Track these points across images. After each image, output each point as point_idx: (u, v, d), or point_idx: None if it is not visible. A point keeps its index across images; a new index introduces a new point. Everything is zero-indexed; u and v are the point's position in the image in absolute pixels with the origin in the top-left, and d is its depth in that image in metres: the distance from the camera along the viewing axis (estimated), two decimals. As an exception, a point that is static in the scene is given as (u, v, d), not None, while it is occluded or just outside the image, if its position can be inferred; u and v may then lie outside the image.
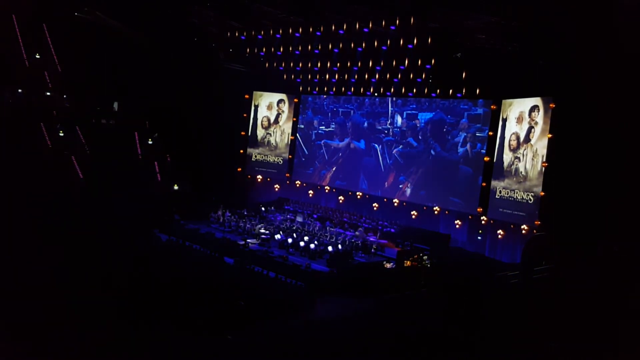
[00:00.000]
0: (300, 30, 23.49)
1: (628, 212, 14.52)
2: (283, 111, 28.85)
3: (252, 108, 29.07)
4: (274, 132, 28.99)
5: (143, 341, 10.32)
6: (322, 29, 22.93)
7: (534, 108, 20.04)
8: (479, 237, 21.98)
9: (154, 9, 22.86)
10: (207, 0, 22.89)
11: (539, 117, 19.77)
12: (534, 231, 19.23)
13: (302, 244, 20.20)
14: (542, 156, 19.42)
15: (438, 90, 23.29)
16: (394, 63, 22.93)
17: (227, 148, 28.26)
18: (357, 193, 26.16)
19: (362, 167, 26.21)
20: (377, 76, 24.50)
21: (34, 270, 13.42)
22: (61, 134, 24.70)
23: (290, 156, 28.75)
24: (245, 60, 26.93)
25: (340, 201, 26.70)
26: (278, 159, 28.92)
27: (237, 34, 25.47)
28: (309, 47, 24.26)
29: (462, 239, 22.55)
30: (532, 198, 19.74)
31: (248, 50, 25.86)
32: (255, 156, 29.13)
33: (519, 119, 20.57)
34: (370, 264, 19.14)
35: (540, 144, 19.61)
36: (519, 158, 20.45)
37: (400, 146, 24.83)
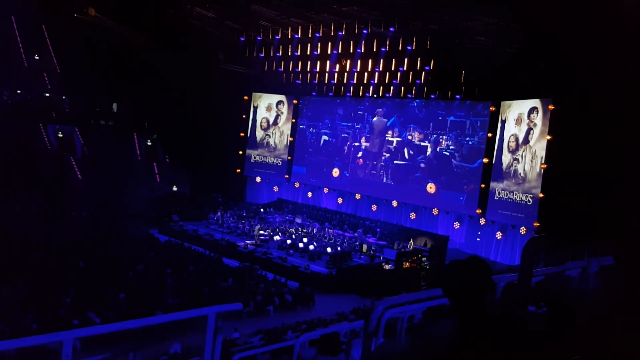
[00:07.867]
0: (300, 31, 23.51)
1: (627, 213, 14.50)
2: (282, 112, 28.80)
3: (251, 109, 29.02)
4: (273, 134, 28.94)
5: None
6: (321, 30, 22.96)
7: (532, 110, 20.05)
8: (478, 239, 21.97)
9: (153, 10, 22.86)
10: (207, 2, 22.91)
11: (538, 118, 19.78)
12: (533, 232, 19.22)
13: (301, 245, 20.17)
14: (541, 158, 19.42)
15: (437, 92, 23.30)
16: (393, 65, 22.97)
17: (226, 149, 28.23)
18: (356, 194, 26.14)
19: (360, 167, 26.18)
20: (376, 77, 24.52)
21: (33, 271, 13.41)
22: (60, 135, 24.70)
23: (289, 157, 28.71)
24: (244, 62, 26.94)
25: (339, 202, 26.68)
26: (277, 160, 28.87)
27: (236, 36, 25.50)
28: (308, 49, 24.29)
29: (461, 240, 22.53)
30: (531, 199, 19.74)
31: (247, 51, 25.88)
32: (254, 157, 29.08)
33: (518, 121, 20.57)
34: (369, 265, 19.11)
35: (539, 146, 19.62)
36: (517, 159, 20.46)
37: (399, 147, 24.80)
